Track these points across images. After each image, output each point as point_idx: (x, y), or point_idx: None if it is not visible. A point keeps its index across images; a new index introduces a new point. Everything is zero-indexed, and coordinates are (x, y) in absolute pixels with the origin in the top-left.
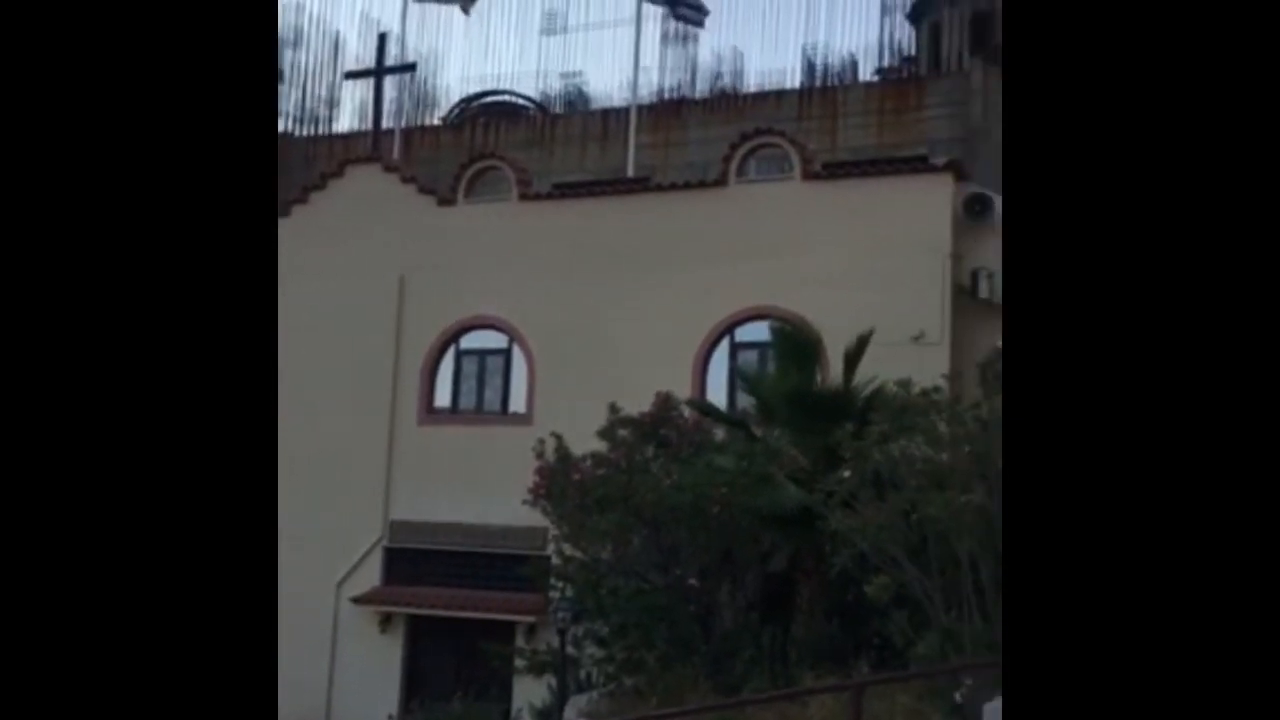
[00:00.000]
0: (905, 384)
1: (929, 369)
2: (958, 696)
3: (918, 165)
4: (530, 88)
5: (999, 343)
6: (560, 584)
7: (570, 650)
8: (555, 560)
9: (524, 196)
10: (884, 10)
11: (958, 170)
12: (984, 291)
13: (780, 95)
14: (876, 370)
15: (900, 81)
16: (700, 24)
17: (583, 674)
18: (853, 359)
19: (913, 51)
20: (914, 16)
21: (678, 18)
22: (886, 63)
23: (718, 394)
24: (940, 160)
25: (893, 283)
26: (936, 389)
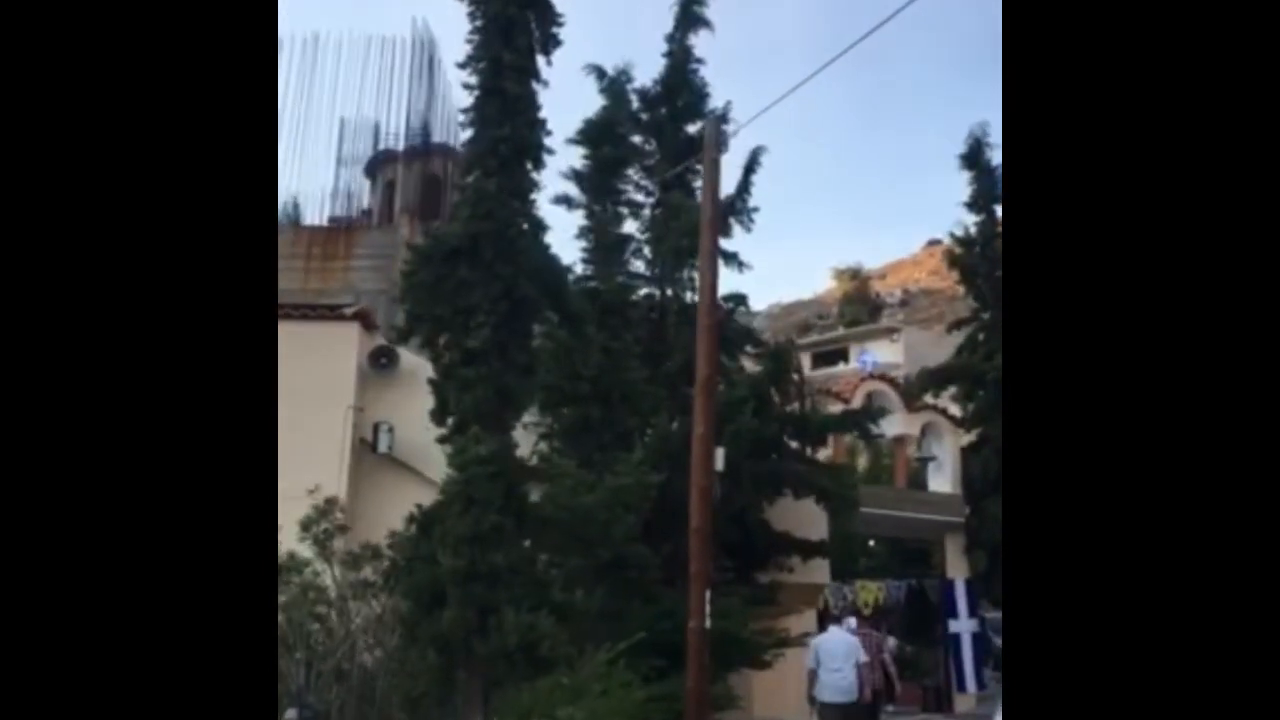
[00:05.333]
0: None
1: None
2: None
3: (325, 313)
4: None
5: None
6: None
7: None
8: None
9: None
10: (339, 161)
11: (366, 320)
12: (384, 446)
13: None
14: None
15: (331, 230)
16: None
17: None
18: None
19: (366, 205)
20: (369, 171)
21: None
22: (339, 211)
23: None
24: (349, 310)
25: (294, 431)
26: None
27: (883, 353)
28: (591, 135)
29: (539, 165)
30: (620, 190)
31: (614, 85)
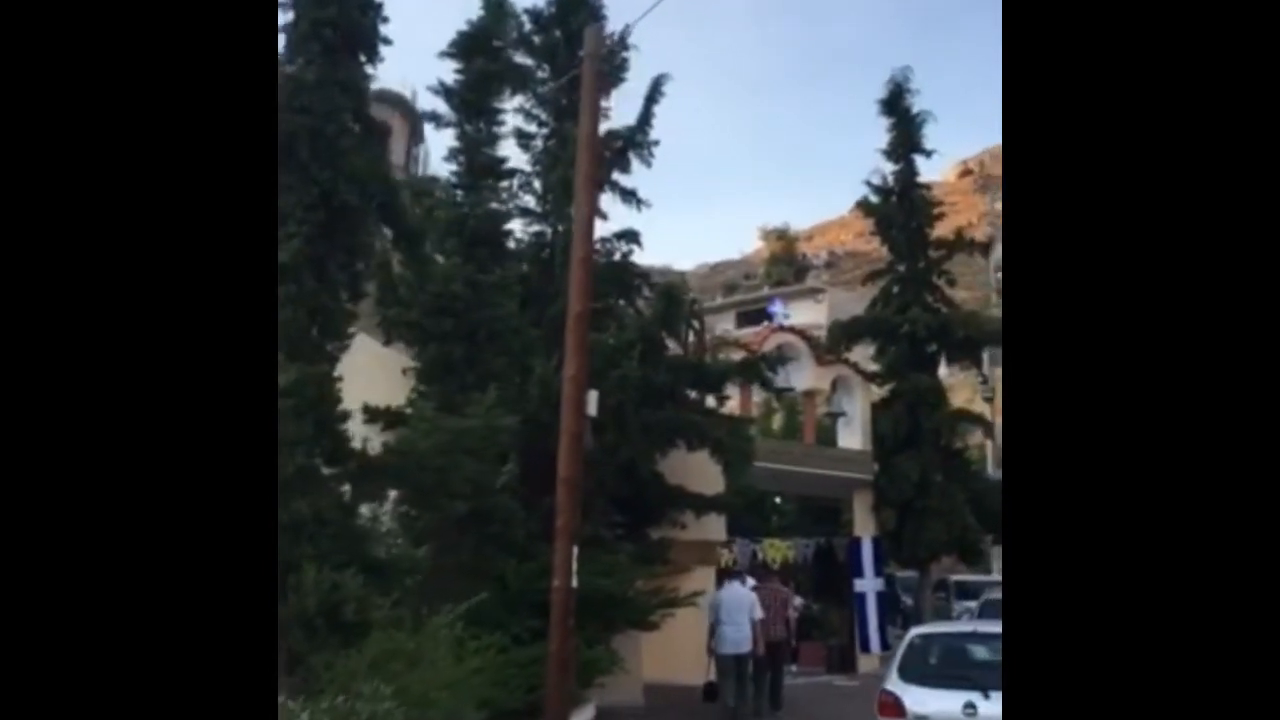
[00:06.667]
0: None
1: None
2: None
3: None
4: None
5: None
6: None
7: None
8: None
9: None
10: None
11: None
12: None
13: None
14: None
15: None
16: None
17: None
18: None
19: None
20: None
21: None
22: None
23: None
24: None
25: None
26: None
27: (807, 313)
28: (464, 47)
29: (374, 58)
30: (497, 110)
31: None
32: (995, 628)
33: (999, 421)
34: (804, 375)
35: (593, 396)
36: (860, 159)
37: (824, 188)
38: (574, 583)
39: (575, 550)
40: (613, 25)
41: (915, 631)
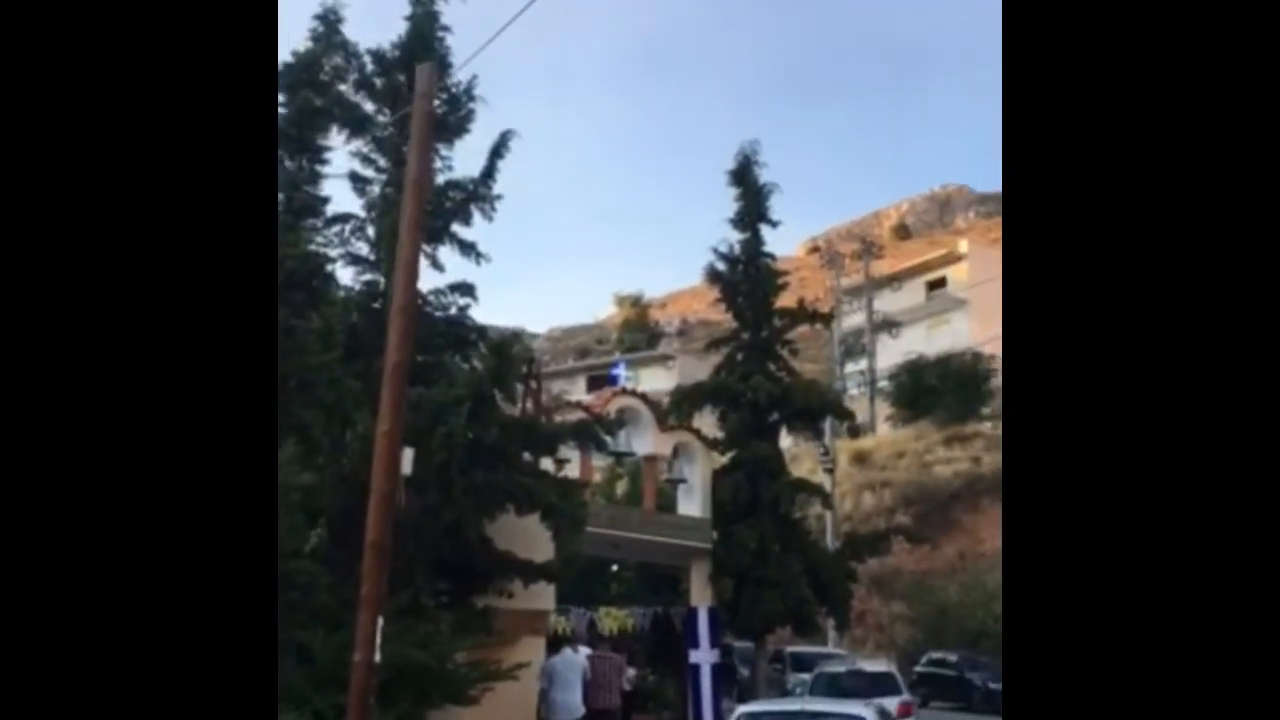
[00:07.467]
0: None
1: None
2: None
3: None
4: None
5: None
6: None
7: None
8: None
9: None
10: None
11: None
12: None
13: None
14: None
15: None
16: None
17: None
18: None
19: None
20: None
21: None
22: None
23: None
24: None
25: None
26: None
27: (659, 379)
28: (288, 79)
29: None
30: (323, 147)
31: (322, 23)
32: (825, 706)
33: (839, 493)
34: (645, 440)
35: (408, 454)
36: (716, 231)
37: (679, 257)
38: (377, 656)
39: (380, 621)
40: (462, 76)
41: (742, 710)
